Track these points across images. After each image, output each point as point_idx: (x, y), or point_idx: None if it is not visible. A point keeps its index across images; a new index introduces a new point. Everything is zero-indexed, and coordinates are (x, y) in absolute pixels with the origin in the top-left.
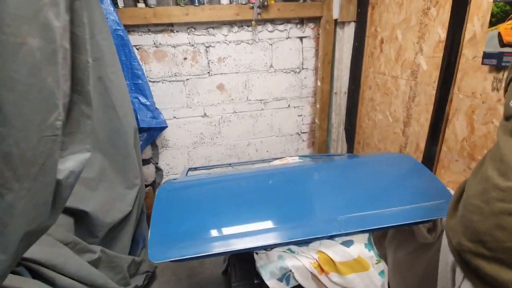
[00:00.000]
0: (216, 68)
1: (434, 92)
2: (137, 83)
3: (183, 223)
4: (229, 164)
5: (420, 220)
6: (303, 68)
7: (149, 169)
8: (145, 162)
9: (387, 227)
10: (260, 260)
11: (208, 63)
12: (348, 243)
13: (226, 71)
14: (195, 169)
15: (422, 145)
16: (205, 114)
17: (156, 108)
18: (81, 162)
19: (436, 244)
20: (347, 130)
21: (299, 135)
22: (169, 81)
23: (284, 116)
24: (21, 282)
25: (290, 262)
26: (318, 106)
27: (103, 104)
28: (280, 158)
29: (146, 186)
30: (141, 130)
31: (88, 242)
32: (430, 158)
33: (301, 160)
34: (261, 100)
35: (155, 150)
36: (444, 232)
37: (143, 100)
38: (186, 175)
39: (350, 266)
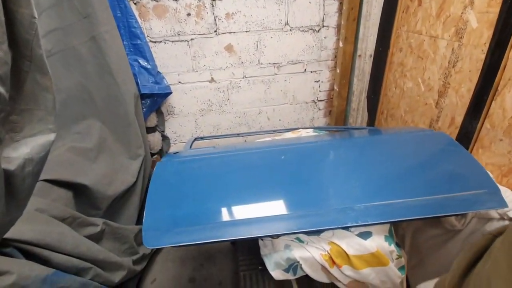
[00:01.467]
0: (223, 26)
1: (483, 56)
2: (136, 44)
3: (182, 204)
4: (238, 134)
5: (452, 214)
6: (323, 26)
7: (155, 137)
8: (151, 130)
9: (413, 219)
10: (264, 248)
11: (215, 20)
12: (365, 235)
13: (235, 29)
14: (202, 139)
15: (459, 119)
16: (212, 79)
17: (159, 72)
18: (43, 146)
19: (463, 231)
20: (370, 98)
21: (315, 103)
22: (172, 41)
23: (300, 82)
24: (10, 264)
25: (298, 253)
26: (338, 70)
27: (98, 68)
28: (293, 129)
29: (153, 154)
30: (143, 96)
31: (91, 214)
32: (467, 135)
33: (316, 133)
34: (274, 63)
35: (160, 117)
36: None
37: (143, 63)
38: (191, 146)
39: (366, 260)
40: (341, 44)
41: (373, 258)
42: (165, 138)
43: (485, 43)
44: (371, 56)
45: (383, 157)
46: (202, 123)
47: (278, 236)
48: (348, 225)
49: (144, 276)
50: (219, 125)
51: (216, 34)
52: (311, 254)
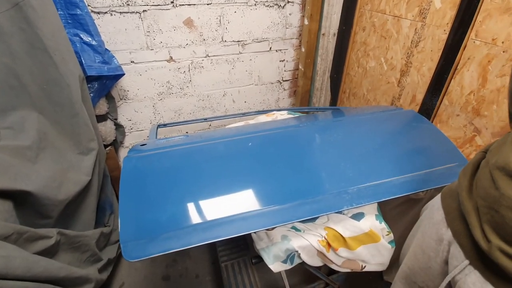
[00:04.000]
0: None
1: (445, 36)
2: (75, 14)
3: (161, 205)
4: (205, 119)
5: (434, 187)
6: (288, 1)
7: (107, 127)
8: (101, 118)
9: (401, 196)
10: (260, 242)
11: None
12: (358, 216)
13: (195, 1)
14: (165, 125)
15: (420, 97)
16: (171, 58)
17: (107, 49)
18: None
19: (424, 200)
20: (333, 78)
21: (280, 83)
22: (120, 13)
23: (265, 61)
24: None
25: (297, 243)
26: (303, 49)
27: (28, 45)
28: (265, 112)
29: (106, 146)
30: (89, 79)
31: (40, 225)
32: (427, 112)
33: (291, 115)
34: (238, 41)
35: (111, 103)
36: (439, 204)
37: (86, 38)
38: (156, 135)
39: (360, 239)
40: (306, 22)
41: (367, 237)
42: (118, 126)
43: (447, 23)
44: (334, 35)
45: (363, 138)
46: (161, 108)
47: (274, 227)
48: (345, 209)
49: (110, 282)
50: (180, 109)
51: (173, 5)
52: (309, 242)
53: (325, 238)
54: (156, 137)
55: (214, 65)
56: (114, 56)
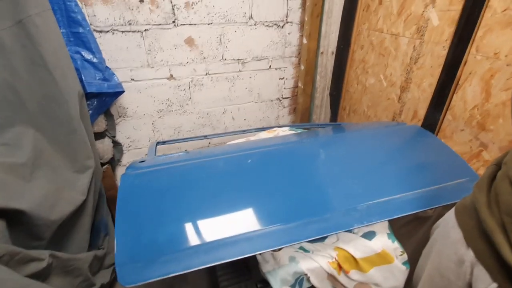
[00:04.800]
0: (183, 16)
1: (444, 52)
2: (77, 32)
3: (161, 225)
4: (205, 136)
5: (445, 204)
6: (287, 22)
7: (105, 144)
8: (99, 136)
9: (412, 214)
10: (266, 264)
11: (173, 9)
12: (369, 235)
13: (196, 21)
14: (164, 143)
15: (422, 112)
16: (171, 75)
17: (107, 67)
18: None
19: (432, 218)
20: (332, 95)
21: (280, 100)
22: (122, 32)
23: (265, 79)
24: None
25: (306, 265)
26: (302, 67)
27: (28, 61)
28: (265, 129)
29: (103, 164)
30: (88, 96)
31: (32, 246)
32: (430, 127)
33: (292, 131)
34: (238, 59)
35: (110, 120)
36: (454, 221)
37: (87, 55)
38: (155, 152)
39: (372, 261)
40: (305, 41)
41: (379, 258)
42: (116, 144)
43: (446, 40)
44: (333, 53)
45: (368, 153)
46: (160, 126)
47: (280, 248)
48: (355, 227)
49: None
50: (180, 127)
51: (175, 25)
52: (318, 264)
53: (335, 259)
54: (155, 155)
55: (214, 83)
56: (114, 74)
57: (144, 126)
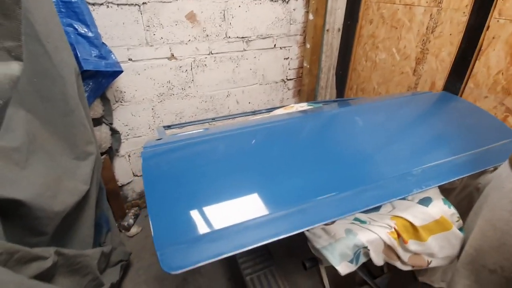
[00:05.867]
0: None
1: (465, 18)
2: (69, 2)
3: (196, 202)
4: (213, 119)
5: (495, 165)
6: None
7: (102, 132)
8: (96, 122)
9: (465, 176)
10: (318, 239)
11: None
12: (425, 201)
13: None
14: (169, 127)
15: (440, 83)
16: (172, 55)
17: (104, 43)
18: None
19: (457, 189)
20: (338, 75)
21: (285, 82)
22: (118, 4)
23: (270, 59)
24: None
25: (365, 237)
26: (308, 46)
27: None
28: (274, 109)
29: (100, 154)
30: (83, 76)
31: (33, 243)
32: None
33: (312, 106)
34: (243, 38)
35: (106, 105)
36: (509, 172)
37: (81, 29)
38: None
39: (430, 228)
40: (311, 17)
41: (437, 225)
42: (114, 132)
43: (466, 6)
44: (339, 30)
45: (406, 119)
46: (161, 111)
47: (333, 221)
48: (414, 192)
49: None
50: (182, 112)
51: None
52: (377, 235)
53: (394, 229)
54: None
55: (217, 63)
56: (111, 51)
57: (143, 112)
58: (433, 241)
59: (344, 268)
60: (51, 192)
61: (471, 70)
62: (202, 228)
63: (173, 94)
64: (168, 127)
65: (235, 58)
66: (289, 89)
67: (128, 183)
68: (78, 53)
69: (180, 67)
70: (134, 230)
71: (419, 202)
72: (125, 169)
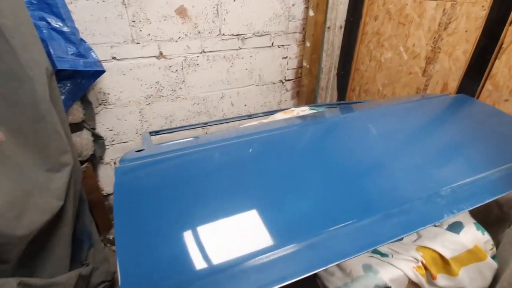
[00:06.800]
0: None
1: (484, 13)
2: None
3: (178, 236)
4: (205, 123)
5: None
6: None
7: (83, 138)
8: (76, 127)
9: (501, 196)
10: (331, 278)
11: None
12: (456, 227)
13: None
14: (157, 133)
15: (454, 84)
16: (161, 53)
17: (82, 39)
18: None
19: None
20: (340, 75)
21: (283, 83)
22: None
23: (267, 59)
24: None
25: (387, 274)
26: (308, 44)
27: None
28: (274, 112)
29: (82, 162)
30: (60, 76)
31: None
32: None
33: (314, 110)
34: (238, 35)
35: (88, 109)
36: None
37: (55, 23)
38: (151, 142)
39: (461, 260)
40: (311, 13)
41: (470, 256)
42: (97, 138)
43: None
44: (341, 27)
45: (424, 127)
46: (149, 115)
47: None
48: (445, 218)
49: None
50: (172, 115)
51: None
52: (402, 272)
53: (422, 263)
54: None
55: (210, 63)
56: (91, 49)
57: (129, 116)
58: (464, 274)
59: None
60: (15, 212)
61: (490, 70)
62: (183, 274)
63: (163, 96)
64: (156, 132)
65: (230, 57)
66: (287, 91)
67: None
68: (51, 50)
69: (170, 66)
70: None
71: (448, 229)
72: (111, 177)
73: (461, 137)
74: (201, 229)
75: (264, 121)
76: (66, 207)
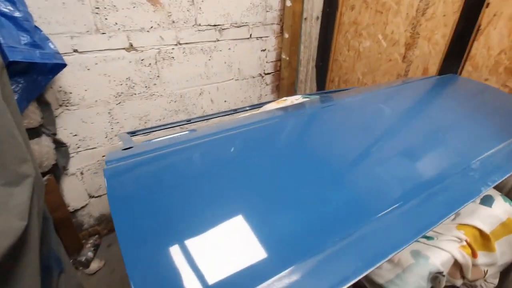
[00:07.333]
0: None
1: None
2: None
3: (191, 242)
4: (188, 121)
5: None
6: None
7: (42, 145)
8: (33, 133)
9: None
10: (379, 271)
11: None
12: (488, 201)
13: None
14: (134, 133)
15: (434, 68)
16: (131, 45)
17: (37, 27)
18: None
19: None
20: (318, 67)
21: (262, 77)
22: None
23: (245, 51)
24: None
25: (437, 258)
26: (287, 35)
27: None
28: (262, 105)
29: (43, 174)
30: (12, 71)
31: None
32: None
33: (307, 98)
34: (215, 25)
35: (46, 111)
36: None
37: (5, 7)
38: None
39: (496, 234)
40: (288, 3)
41: (503, 229)
42: (59, 145)
43: None
44: (318, 18)
45: (429, 108)
46: (120, 116)
47: None
48: (482, 192)
49: None
50: (147, 115)
51: None
52: (449, 254)
53: (466, 241)
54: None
55: (187, 56)
56: (49, 38)
57: (97, 118)
58: (498, 248)
59: None
60: None
61: (469, 52)
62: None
63: (135, 94)
64: (133, 133)
65: (207, 50)
66: (267, 85)
67: (83, 207)
68: (1, 38)
69: (142, 60)
70: (95, 265)
71: (481, 203)
72: (78, 190)
73: (467, 113)
74: (203, 242)
75: (259, 111)
76: (31, 227)
